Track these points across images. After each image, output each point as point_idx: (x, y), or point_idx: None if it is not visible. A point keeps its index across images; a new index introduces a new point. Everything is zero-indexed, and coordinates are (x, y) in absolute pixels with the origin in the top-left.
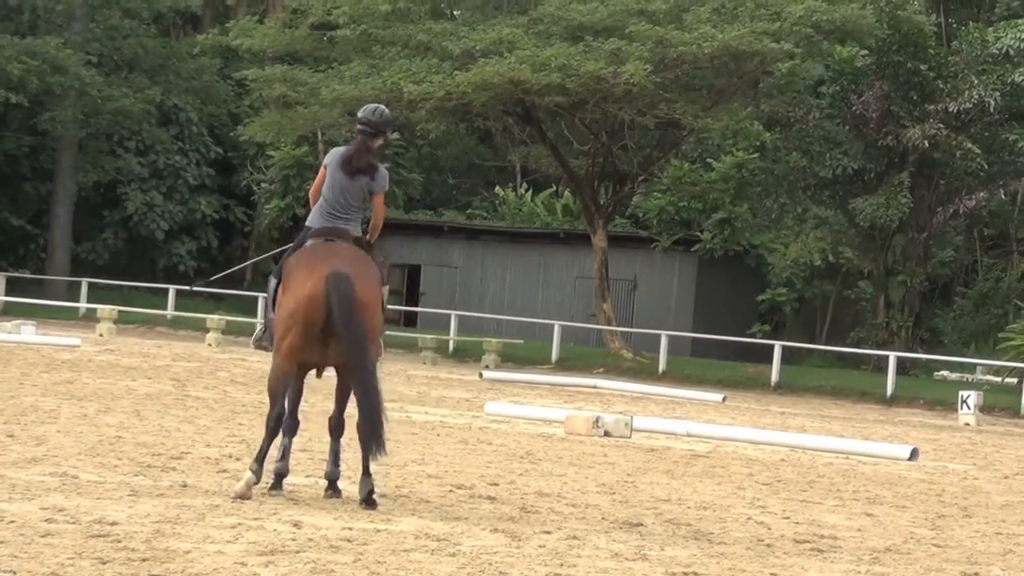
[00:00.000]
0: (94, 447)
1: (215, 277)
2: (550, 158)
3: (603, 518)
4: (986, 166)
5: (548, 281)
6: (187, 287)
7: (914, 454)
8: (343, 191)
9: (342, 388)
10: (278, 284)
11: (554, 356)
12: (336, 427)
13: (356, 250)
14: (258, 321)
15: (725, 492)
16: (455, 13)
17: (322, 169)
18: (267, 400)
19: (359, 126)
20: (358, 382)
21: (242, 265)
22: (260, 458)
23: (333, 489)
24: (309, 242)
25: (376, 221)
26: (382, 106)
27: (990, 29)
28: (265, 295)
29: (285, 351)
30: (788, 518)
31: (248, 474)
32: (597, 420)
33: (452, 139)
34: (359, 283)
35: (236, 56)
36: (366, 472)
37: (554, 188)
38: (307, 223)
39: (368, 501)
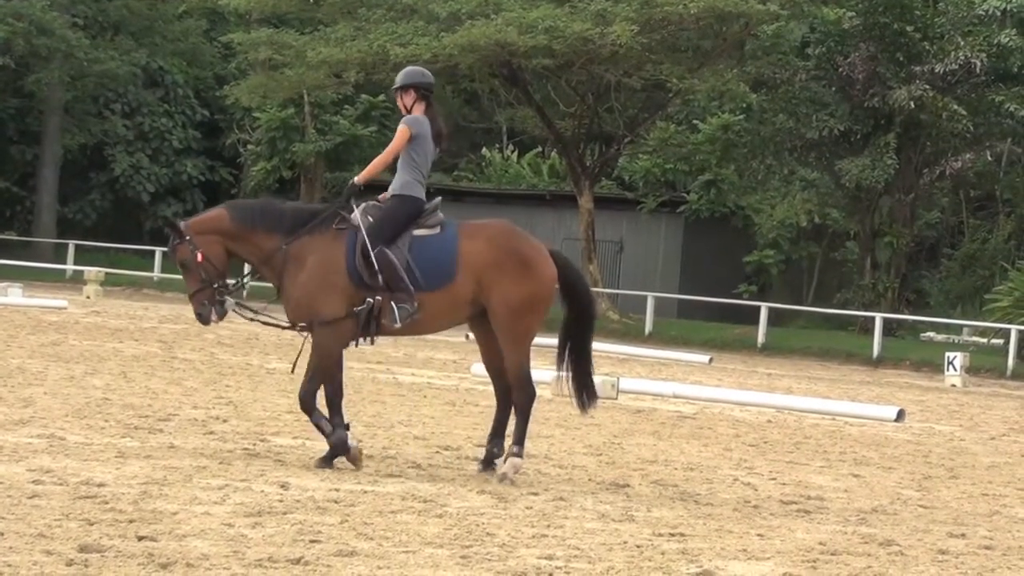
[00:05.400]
0: (81, 409)
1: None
2: (536, 120)
3: (590, 479)
4: (972, 127)
5: None
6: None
7: (900, 415)
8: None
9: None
10: None
11: None
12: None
13: None
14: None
15: (712, 454)
16: None
17: (406, 133)
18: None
19: (424, 91)
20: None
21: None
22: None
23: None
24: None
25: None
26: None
27: None
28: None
29: (532, 339)
30: (775, 479)
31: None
32: None
33: (438, 101)
34: None
35: (222, 19)
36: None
37: (540, 149)
38: (410, 192)
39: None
